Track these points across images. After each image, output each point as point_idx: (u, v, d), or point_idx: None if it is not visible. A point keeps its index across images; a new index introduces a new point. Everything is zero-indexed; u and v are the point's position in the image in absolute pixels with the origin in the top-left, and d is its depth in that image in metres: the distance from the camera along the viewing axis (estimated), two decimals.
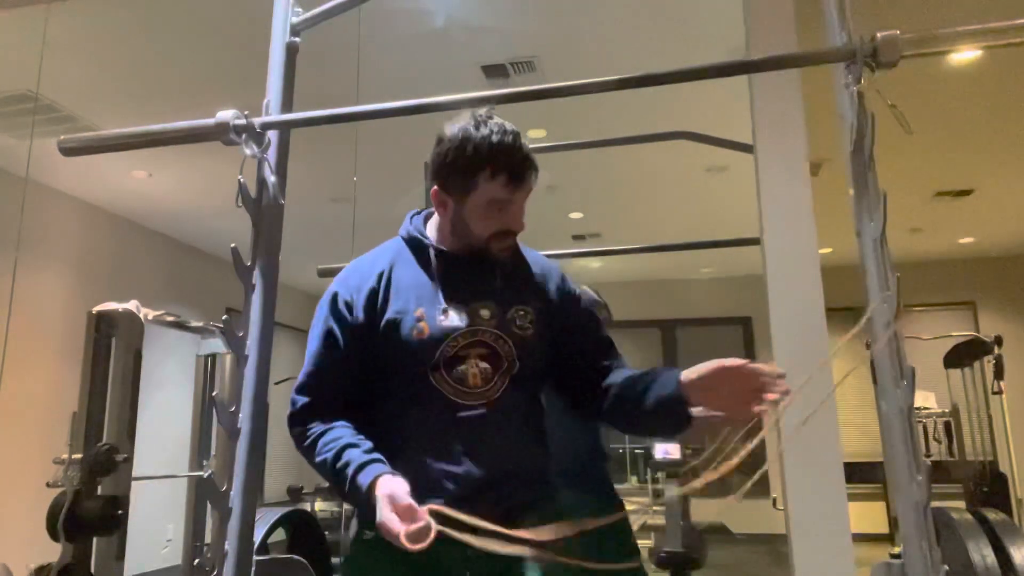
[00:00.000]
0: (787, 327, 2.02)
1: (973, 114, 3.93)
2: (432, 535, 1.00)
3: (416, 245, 1.30)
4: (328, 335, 1.24)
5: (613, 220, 5.89)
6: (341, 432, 1.18)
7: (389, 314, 1.22)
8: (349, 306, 1.24)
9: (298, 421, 1.24)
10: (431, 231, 1.30)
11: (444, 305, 1.22)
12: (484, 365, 1.20)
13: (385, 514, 1.03)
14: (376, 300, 1.24)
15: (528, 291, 1.29)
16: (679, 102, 3.60)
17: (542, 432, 1.28)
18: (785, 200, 2.11)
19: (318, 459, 1.18)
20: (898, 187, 4.95)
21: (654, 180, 4.89)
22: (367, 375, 1.24)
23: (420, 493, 1.07)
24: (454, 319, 1.21)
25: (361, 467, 1.11)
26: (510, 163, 1.19)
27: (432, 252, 1.27)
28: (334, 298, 1.25)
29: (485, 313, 1.23)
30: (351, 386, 1.24)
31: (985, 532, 2.88)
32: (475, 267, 1.26)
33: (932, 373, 5.05)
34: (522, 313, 1.25)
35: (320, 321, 1.26)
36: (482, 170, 1.19)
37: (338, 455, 1.15)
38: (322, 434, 1.19)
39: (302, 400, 1.24)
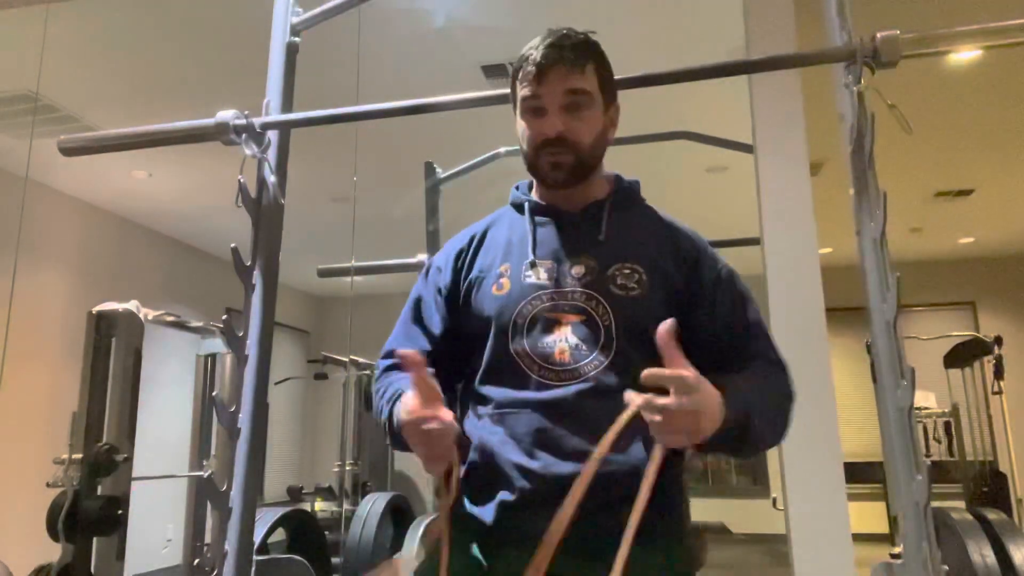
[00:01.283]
0: (787, 327, 2.02)
1: (973, 114, 3.93)
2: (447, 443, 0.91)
3: (517, 205, 1.16)
4: (416, 302, 1.16)
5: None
6: (400, 376, 1.06)
7: (474, 272, 1.11)
8: (440, 271, 1.15)
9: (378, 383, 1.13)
10: (535, 192, 1.17)
11: (532, 258, 1.07)
12: (575, 340, 1.00)
13: (405, 399, 0.93)
14: (464, 260, 1.13)
15: (644, 249, 1.07)
16: (679, 102, 3.60)
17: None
18: (785, 200, 2.10)
19: (375, 404, 1.08)
20: (898, 187, 4.95)
21: (654, 180, 4.87)
22: (453, 346, 1.10)
23: (490, 486, 0.98)
24: (542, 275, 1.05)
25: (398, 393, 1.01)
26: (535, 53, 1.06)
27: (528, 207, 1.13)
28: (428, 266, 1.18)
29: (579, 270, 1.05)
30: (437, 356, 1.08)
31: (985, 532, 2.88)
32: (577, 220, 1.10)
33: (932, 373, 5.06)
34: (627, 271, 1.04)
35: (414, 290, 1.18)
36: (518, 71, 1.09)
37: (385, 391, 1.06)
38: (387, 384, 1.09)
39: (384, 364, 1.14)
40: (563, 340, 1.00)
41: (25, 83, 3.45)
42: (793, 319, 2.02)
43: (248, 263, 1.35)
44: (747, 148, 2.28)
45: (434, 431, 0.90)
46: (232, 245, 1.28)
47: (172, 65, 3.36)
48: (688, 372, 0.85)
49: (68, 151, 1.42)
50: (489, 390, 1.04)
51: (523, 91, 1.08)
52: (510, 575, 0.94)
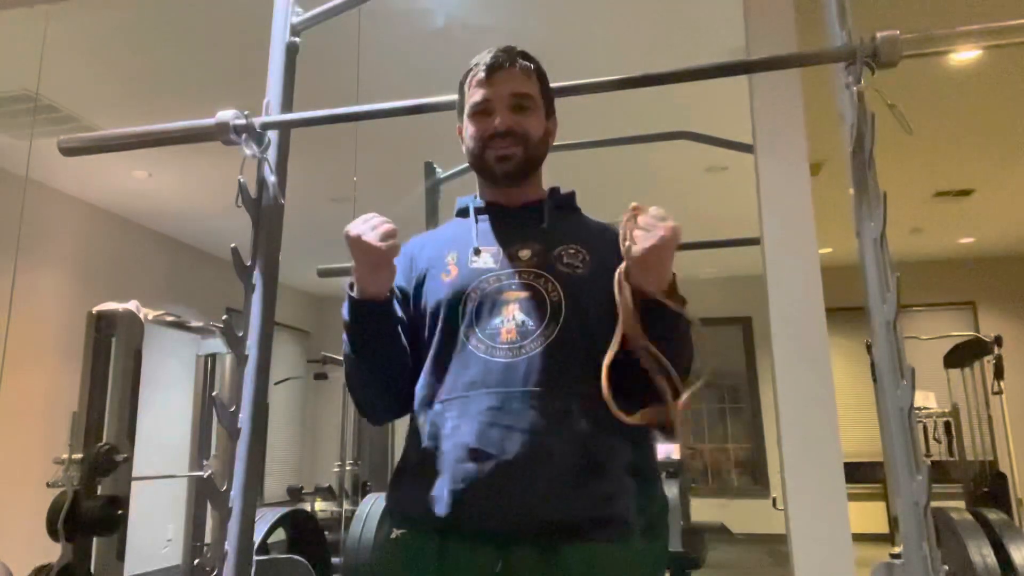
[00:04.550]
0: (787, 327, 2.02)
1: (973, 114, 3.93)
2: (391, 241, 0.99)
3: (462, 210, 1.22)
4: None
5: (613, 220, 5.88)
6: None
7: (422, 266, 1.15)
8: (402, 256, 1.17)
9: None
10: (477, 197, 1.23)
11: (477, 245, 1.12)
12: (522, 317, 1.02)
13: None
14: (413, 260, 1.18)
15: (584, 235, 1.14)
16: (679, 102, 3.60)
17: (601, 415, 0.97)
18: (785, 200, 2.10)
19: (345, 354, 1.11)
20: (898, 187, 4.95)
21: (654, 180, 4.88)
22: (413, 341, 1.13)
23: (441, 474, 0.99)
24: (487, 260, 1.10)
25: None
26: (485, 57, 1.13)
27: (472, 207, 1.19)
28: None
29: (525, 253, 1.09)
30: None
31: (985, 532, 2.88)
32: (520, 214, 1.16)
33: (932, 373, 5.06)
34: (572, 252, 1.09)
35: None
36: (466, 77, 1.16)
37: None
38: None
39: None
40: (510, 319, 1.02)
41: (25, 83, 3.45)
42: (793, 319, 2.02)
43: (248, 263, 1.35)
44: (747, 148, 2.28)
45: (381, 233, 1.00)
46: (232, 245, 1.28)
47: (172, 65, 3.36)
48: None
49: (68, 151, 1.42)
50: (440, 375, 1.06)
51: (473, 96, 1.14)
52: (472, 562, 0.96)
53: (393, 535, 1.07)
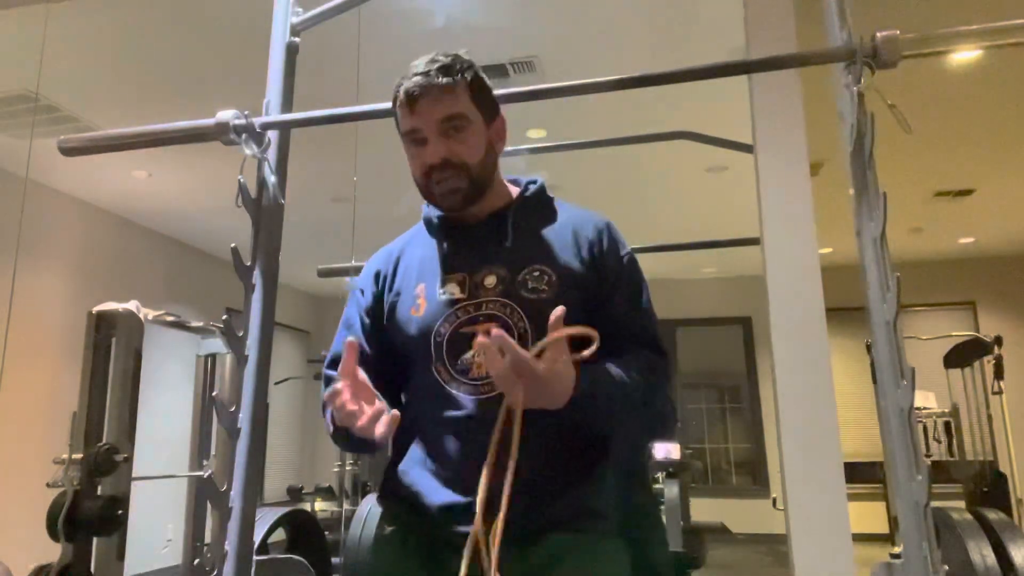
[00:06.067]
0: (787, 327, 2.02)
1: (973, 114, 3.93)
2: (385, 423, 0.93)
3: (428, 222, 1.18)
4: (347, 323, 1.19)
5: (613, 220, 5.88)
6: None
7: (392, 294, 1.14)
8: (363, 293, 1.18)
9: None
10: None
11: (444, 276, 1.10)
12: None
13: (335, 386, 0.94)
14: (384, 282, 1.16)
15: (551, 249, 1.10)
16: (679, 102, 3.60)
17: (578, 440, 1.01)
18: (785, 200, 2.10)
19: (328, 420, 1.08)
20: (898, 187, 4.95)
21: (654, 180, 4.88)
22: (386, 365, 1.12)
23: (422, 510, 1.01)
24: (454, 291, 1.07)
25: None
26: (405, 83, 1.06)
27: (437, 222, 1.15)
28: (357, 287, 1.20)
29: (491, 280, 1.07)
30: (376, 372, 1.08)
31: (985, 532, 2.88)
32: (484, 231, 1.12)
33: (932, 373, 5.06)
34: (537, 274, 1.06)
35: (345, 313, 1.20)
36: (394, 95, 1.09)
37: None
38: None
39: (328, 374, 1.16)
40: (480, 353, 0.98)
41: (25, 83, 3.45)
42: (793, 319, 2.02)
43: (248, 263, 1.35)
44: (747, 148, 2.28)
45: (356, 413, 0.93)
46: (232, 245, 1.28)
47: (172, 65, 3.36)
48: (521, 353, 0.89)
49: (68, 151, 1.42)
50: (416, 407, 1.08)
51: (402, 122, 1.09)
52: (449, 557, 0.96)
53: (384, 532, 1.10)
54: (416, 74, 1.05)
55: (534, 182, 1.19)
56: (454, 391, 1.03)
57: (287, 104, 1.47)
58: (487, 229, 1.12)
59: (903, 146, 4.15)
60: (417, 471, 1.05)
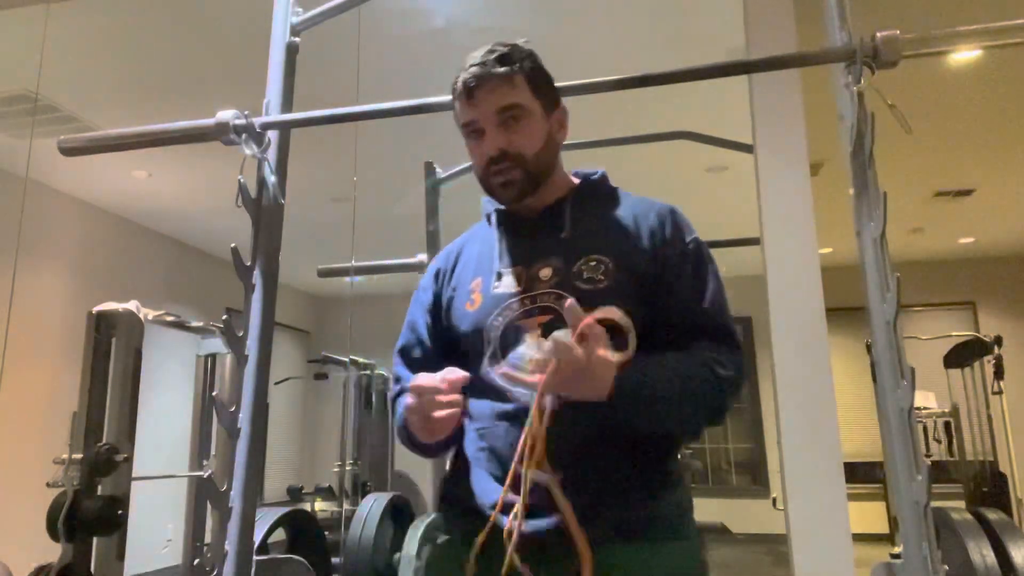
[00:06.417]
0: (787, 327, 2.02)
1: (973, 114, 3.93)
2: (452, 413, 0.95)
3: (487, 216, 1.17)
4: (411, 324, 1.19)
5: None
6: None
7: (450, 290, 1.13)
8: (425, 291, 1.18)
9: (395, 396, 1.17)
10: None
11: (500, 269, 1.08)
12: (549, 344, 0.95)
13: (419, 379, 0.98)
14: (443, 279, 1.16)
15: (609, 238, 1.06)
16: (679, 102, 3.60)
17: (634, 444, 0.98)
18: (785, 200, 2.10)
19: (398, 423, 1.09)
20: (898, 187, 4.95)
21: (654, 180, 4.88)
22: (450, 361, 1.09)
23: (468, 499, 1.00)
24: (509, 283, 1.05)
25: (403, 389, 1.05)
26: (463, 75, 1.05)
27: (494, 217, 1.14)
28: (421, 285, 1.20)
29: (546, 272, 1.04)
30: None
31: (985, 532, 2.88)
32: (541, 222, 1.10)
33: (932, 373, 5.06)
34: (593, 264, 1.02)
35: (410, 311, 1.20)
36: (454, 86, 1.08)
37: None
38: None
39: (399, 380, 1.17)
40: (534, 347, 0.95)
41: (25, 83, 3.45)
42: (793, 319, 2.02)
43: (248, 263, 1.35)
44: (747, 148, 2.28)
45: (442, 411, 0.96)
46: (232, 245, 1.28)
47: (172, 65, 3.36)
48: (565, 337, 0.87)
49: (68, 151, 1.42)
50: (473, 404, 1.05)
51: (460, 114, 1.08)
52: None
53: (438, 540, 1.08)
54: (473, 65, 1.05)
55: (595, 173, 1.18)
56: (510, 385, 0.99)
57: (287, 104, 1.47)
58: (544, 221, 1.10)
59: (903, 146, 4.15)
60: (474, 470, 1.03)
